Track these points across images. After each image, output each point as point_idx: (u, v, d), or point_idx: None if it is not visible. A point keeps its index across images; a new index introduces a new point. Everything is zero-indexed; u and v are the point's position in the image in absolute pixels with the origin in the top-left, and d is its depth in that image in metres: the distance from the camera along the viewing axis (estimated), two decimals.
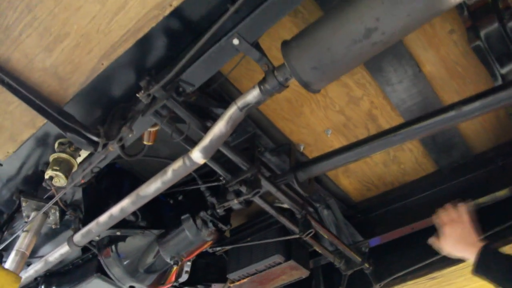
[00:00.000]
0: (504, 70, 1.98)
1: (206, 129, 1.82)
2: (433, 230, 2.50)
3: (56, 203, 2.33)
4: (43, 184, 1.99)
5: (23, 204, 2.33)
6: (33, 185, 2.46)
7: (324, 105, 2.23)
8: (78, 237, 2.26)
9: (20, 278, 2.13)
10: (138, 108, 1.80)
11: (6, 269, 2.04)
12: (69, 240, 2.30)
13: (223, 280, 2.92)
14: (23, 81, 1.65)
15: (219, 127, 1.77)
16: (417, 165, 2.51)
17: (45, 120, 1.80)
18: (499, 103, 1.75)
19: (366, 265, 2.54)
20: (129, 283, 2.54)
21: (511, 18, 1.87)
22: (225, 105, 2.11)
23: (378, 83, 2.12)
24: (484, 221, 2.37)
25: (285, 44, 1.60)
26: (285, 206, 2.48)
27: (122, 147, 1.88)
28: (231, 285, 2.61)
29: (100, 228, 2.19)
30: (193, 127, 1.84)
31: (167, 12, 1.45)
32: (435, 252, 2.29)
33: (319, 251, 2.43)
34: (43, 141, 2.10)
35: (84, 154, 2.11)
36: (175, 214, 2.49)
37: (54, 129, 1.92)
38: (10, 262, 2.16)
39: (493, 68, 1.97)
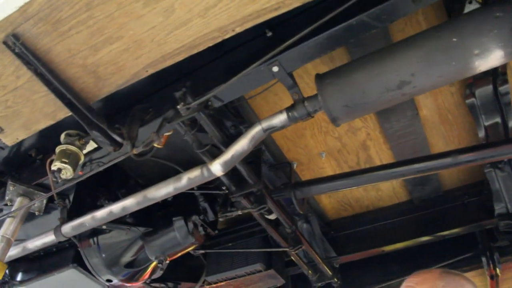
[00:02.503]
0: (487, 123, 2.26)
1: (227, 144, 1.90)
2: (397, 254, 2.80)
3: (45, 191, 2.27)
4: (50, 175, 1.94)
5: (10, 188, 2.24)
6: (14, 167, 2.38)
7: (325, 131, 2.38)
8: (67, 229, 2.22)
9: (6, 266, 2.07)
10: (166, 116, 1.82)
11: None
12: (57, 230, 2.25)
13: (191, 279, 2.99)
14: (58, 74, 1.62)
15: (242, 144, 1.85)
16: (393, 193, 2.75)
17: (68, 114, 1.77)
18: (490, 157, 2.01)
19: (335, 279, 2.74)
20: (106, 276, 2.52)
21: (503, 83, 2.14)
22: (240, 120, 2.21)
23: (379, 118, 2.31)
24: (443, 252, 2.69)
25: (319, 79, 1.71)
26: (270, 217, 2.62)
27: (150, 151, 1.88)
28: (207, 287, 2.69)
29: (95, 223, 2.17)
30: (215, 140, 1.91)
31: (228, 35, 1.51)
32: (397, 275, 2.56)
33: (297, 263, 2.59)
34: (46, 130, 2.05)
35: (89, 147, 2.09)
36: (163, 214, 2.52)
37: (65, 122, 1.90)
38: None
39: (479, 120, 2.24)
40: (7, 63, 1.59)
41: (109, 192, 2.46)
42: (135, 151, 1.79)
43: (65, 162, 1.93)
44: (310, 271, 2.67)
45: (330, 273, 2.69)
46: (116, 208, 2.09)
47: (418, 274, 1.53)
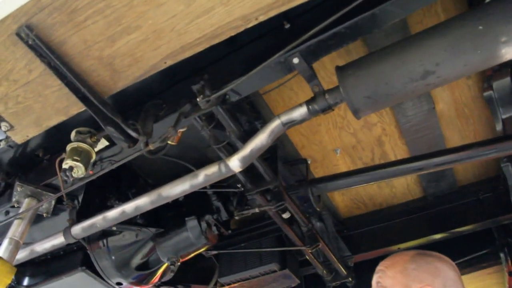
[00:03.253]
0: (505, 116, 2.22)
1: (244, 140, 1.85)
2: None
3: (54, 192, 2.20)
4: (61, 173, 1.87)
5: (18, 189, 2.17)
6: (21, 168, 2.31)
7: (340, 126, 2.34)
8: (77, 230, 2.15)
9: (15, 269, 2.00)
10: (182, 110, 1.76)
11: (1, 258, 1.90)
12: (66, 232, 2.18)
13: (202, 281, 2.93)
14: (72, 67, 1.55)
15: (261, 139, 1.79)
16: (407, 190, 2.70)
17: (81, 109, 1.71)
18: (508, 150, 1.97)
19: (350, 278, 2.68)
20: (116, 279, 2.45)
21: None
22: (255, 116, 2.16)
23: (395, 113, 2.26)
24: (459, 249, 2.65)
25: (340, 70, 1.66)
26: (284, 216, 2.56)
27: (164, 148, 1.82)
28: None
29: (106, 224, 2.10)
30: (231, 135, 1.86)
31: (250, 24, 1.46)
32: None
33: (311, 262, 2.53)
34: (54, 129, 1.99)
35: (100, 145, 2.03)
36: (174, 214, 2.46)
37: (74, 121, 1.85)
38: (3, 250, 2.00)
39: (497, 113, 2.20)
40: (19, 56, 1.52)
41: (119, 192, 2.39)
42: (151, 147, 1.73)
43: (76, 160, 1.87)
44: (324, 271, 2.61)
45: (344, 272, 2.64)
46: (129, 207, 2.02)
47: (390, 257, 1.52)
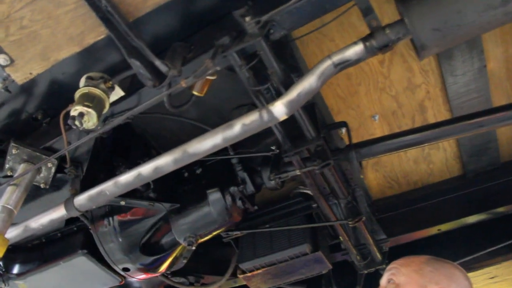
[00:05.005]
0: None
1: (288, 83, 1.58)
2: (448, 236, 2.50)
3: (56, 158, 1.87)
4: (69, 122, 1.56)
5: (13, 151, 1.84)
6: (15, 133, 1.99)
7: (381, 87, 2.10)
8: (82, 200, 1.83)
9: (8, 240, 1.66)
10: (221, 42, 1.49)
11: None
12: (68, 203, 1.85)
13: (215, 272, 2.60)
14: None
15: (309, 81, 1.53)
16: (445, 167, 2.46)
17: (99, 36, 1.43)
18: None
19: (384, 265, 2.40)
20: (123, 264, 2.11)
21: None
22: (291, 67, 1.89)
23: (443, 71, 2.04)
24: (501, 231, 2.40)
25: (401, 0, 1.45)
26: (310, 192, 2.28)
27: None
28: (241, 276, 2.31)
29: (118, 190, 1.78)
30: (274, 78, 1.58)
31: None
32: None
33: (345, 245, 2.25)
34: (57, 85, 1.71)
35: (114, 96, 1.73)
36: (191, 188, 2.15)
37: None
38: None
39: None
40: None
41: (129, 162, 2.07)
42: (184, 83, 1.44)
43: (88, 106, 1.56)
44: (357, 256, 2.32)
45: (380, 257, 2.35)
46: (147, 169, 1.71)
47: (403, 258, 1.50)
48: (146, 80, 1.48)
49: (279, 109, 1.53)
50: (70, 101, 1.68)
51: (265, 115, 1.55)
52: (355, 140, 2.21)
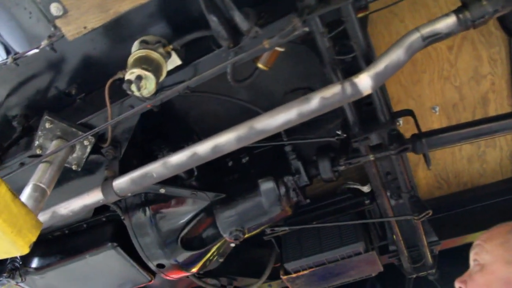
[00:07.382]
0: None
1: (370, 57, 1.43)
2: None
3: (93, 135, 1.67)
4: (124, 86, 1.36)
5: (46, 125, 1.63)
6: (46, 109, 1.77)
7: (446, 76, 1.96)
8: (123, 183, 1.62)
9: (41, 223, 1.44)
10: (307, 3, 1.33)
11: (26, 207, 1.34)
12: (106, 186, 1.64)
13: (250, 274, 2.39)
14: None
15: (397, 54, 1.39)
16: (498, 167, 2.32)
17: None
18: None
19: (433, 270, 2.23)
20: (158, 260, 1.90)
21: None
22: None
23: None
24: None
25: None
26: (364, 189, 2.12)
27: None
28: (284, 277, 2.11)
29: (166, 172, 1.58)
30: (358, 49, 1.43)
31: None
32: None
33: (397, 246, 2.08)
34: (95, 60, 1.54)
35: (170, 65, 1.54)
36: (237, 178, 1.96)
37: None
38: (26, 197, 1.44)
39: None
40: None
41: (168, 146, 1.88)
42: (266, 44, 1.27)
43: (146, 69, 1.37)
44: (408, 259, 2.15)
45: (431, 261, 2.18)
46: (204, 148, 1.52)
47: (489, 229, 1.39)
48: (221, 40, 1.30)
49: (365, 82, 1.37)
50: (106, 77, 1.51)
51: (348, 88, 1.38)
52: (411, 133, 2.06)
